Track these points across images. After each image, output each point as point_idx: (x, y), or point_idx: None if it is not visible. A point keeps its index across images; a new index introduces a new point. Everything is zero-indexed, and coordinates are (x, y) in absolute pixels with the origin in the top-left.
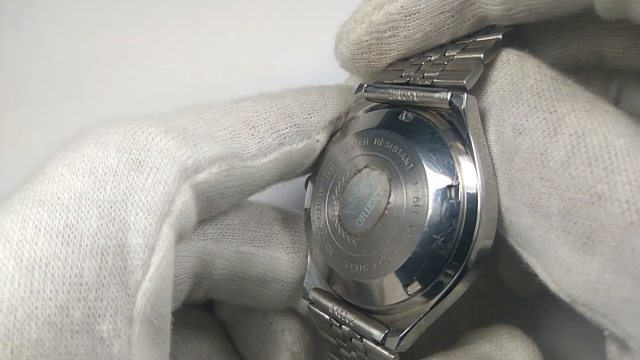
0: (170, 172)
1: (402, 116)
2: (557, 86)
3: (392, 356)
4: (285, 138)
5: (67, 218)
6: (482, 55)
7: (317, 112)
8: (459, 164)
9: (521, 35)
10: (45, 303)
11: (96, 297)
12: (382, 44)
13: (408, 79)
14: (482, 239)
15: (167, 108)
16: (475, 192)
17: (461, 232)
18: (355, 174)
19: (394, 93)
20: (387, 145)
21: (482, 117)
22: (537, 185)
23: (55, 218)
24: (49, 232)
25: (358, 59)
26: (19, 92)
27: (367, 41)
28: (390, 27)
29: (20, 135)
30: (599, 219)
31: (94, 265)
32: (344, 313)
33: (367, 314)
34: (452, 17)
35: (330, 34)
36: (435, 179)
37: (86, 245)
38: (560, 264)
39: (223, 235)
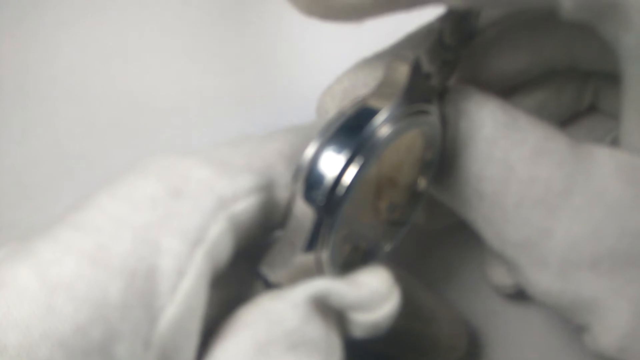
0: (207, 200)
1: None
2: (508, 133)
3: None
4: None
5: (99, 239)
6: None
7: None
8: None
9: (494, 41)
10: (63, 323)
11: (119, 319)
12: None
13: None
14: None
15: (171, 110)
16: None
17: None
18: None
19: None
20: None
21: (455, 160)
22: (500, 223)
23: (87, 240)
24: (79, 253)
25: (300, 1)
26: (24, 93)
27: None
28: None
29: (26, 135)
30: (547, 246)
31: (121, 286)
32: None
33: None
34: None
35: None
36: None
37: (115, 266)
38: (524, 278)
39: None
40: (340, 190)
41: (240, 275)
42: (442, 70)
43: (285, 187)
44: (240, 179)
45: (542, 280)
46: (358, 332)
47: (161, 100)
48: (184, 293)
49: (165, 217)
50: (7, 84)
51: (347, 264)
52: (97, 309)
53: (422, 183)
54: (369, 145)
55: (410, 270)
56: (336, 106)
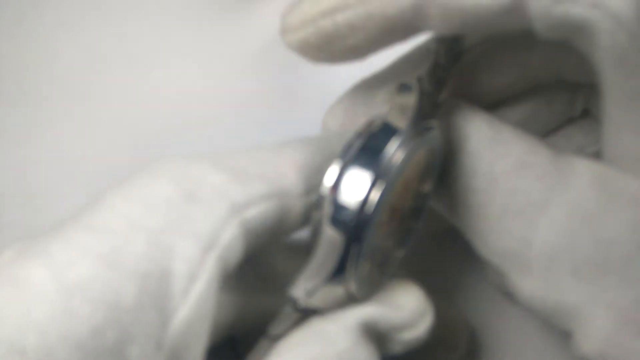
0: (221, 206)
1: None
2: (493, 147)
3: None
4: None
5: (113, 242)
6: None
7: None
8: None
9: (482, 58)
10: (79, 325)
11: (132, 321)
12: (330, 45)
13: None
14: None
15: (173, 111)
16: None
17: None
18: None
19: None
20: None
21: (445, 173)
22: (485, 233)
23: (102, 242)
24: (93, 255)
25: (306, 52)
26: (24, 93)
27: (315, 42)
28: (338, 35)
29: (26, 135)
30: (529, 255)
31: (135, 288)
32: None
33: None
34: (399, 32)
35: None
36: None
37: (129, 268)
38: (510, 285)
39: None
40: (368, 212)
41: (247, 281)
42: (436, 87)
43: (297, 197)
44: (253, 186)
45: (526, 287)
46: (399, 348)
47: (163, 101)
48: (195, 296)
49: (179, 220)
50: (6, 84)
51: (367, 279)
52: (112, 311)
53: (427, 186)
54: (392, 164)
55: (410, 271)
56: (338, 125)
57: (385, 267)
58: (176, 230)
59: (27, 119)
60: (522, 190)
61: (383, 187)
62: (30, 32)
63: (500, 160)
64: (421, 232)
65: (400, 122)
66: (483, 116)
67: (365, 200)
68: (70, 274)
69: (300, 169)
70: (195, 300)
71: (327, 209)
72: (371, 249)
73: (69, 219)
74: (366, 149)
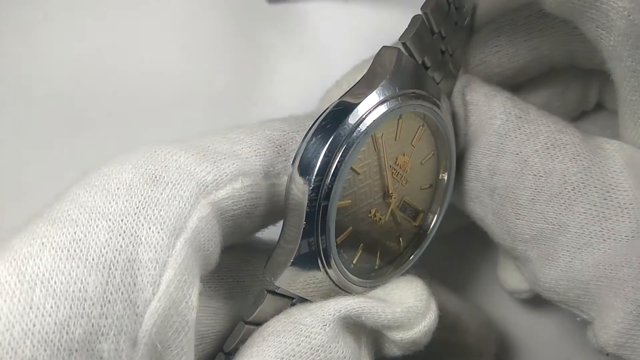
0: (187, 187)
1: None
2: (521, 125)
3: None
4: None
5: (75, 232)
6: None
7: None
8: None
9: (493, 38)
10: (44, 319)
11: (100, 314)
12: None
13: None
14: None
15: (165, 108)
16: None
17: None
18: None
19: None
20: None
21: (464, 155)
22: (512, 217)
23: (62, 233)
24: (54, 247)
25: None
26: (16, 90)
27: None
28: None
29: (15, 134)
30: (560, 241)
31: (100, 279)
32: None
33: None
34: None
35: None
36: None
37: (92, 259)
38: (533, 275)
39: None
40: (330, 174)
41: (238, 288)
42: (444, 61)
43: (276, 176)
44: (223, 164)
45: (550, 275)
46: (396, 350)
47: (155, 97)
48: (166, 286)
49: (143, 205)
50: None
51: (365, 270)
52: (77, 304)
53: (443, 177)
54: (354, 128)
55: (437, 275)
56: None
57: (398, 267)
58: (140, 215)
59: (14, 117)
60: (557, 171)
61: (344, 151)
62: (17, 27)
63: (530, 139)
64: (438, 233)
65: (373, 87)
66: (506, 93)
67: (327, 161)
68: (30, 267)
69: (277, 146)
70: (167, 291)
71: (293, 172)
72: (361, 234)
73: (35, 213)
74: (330, 117)
